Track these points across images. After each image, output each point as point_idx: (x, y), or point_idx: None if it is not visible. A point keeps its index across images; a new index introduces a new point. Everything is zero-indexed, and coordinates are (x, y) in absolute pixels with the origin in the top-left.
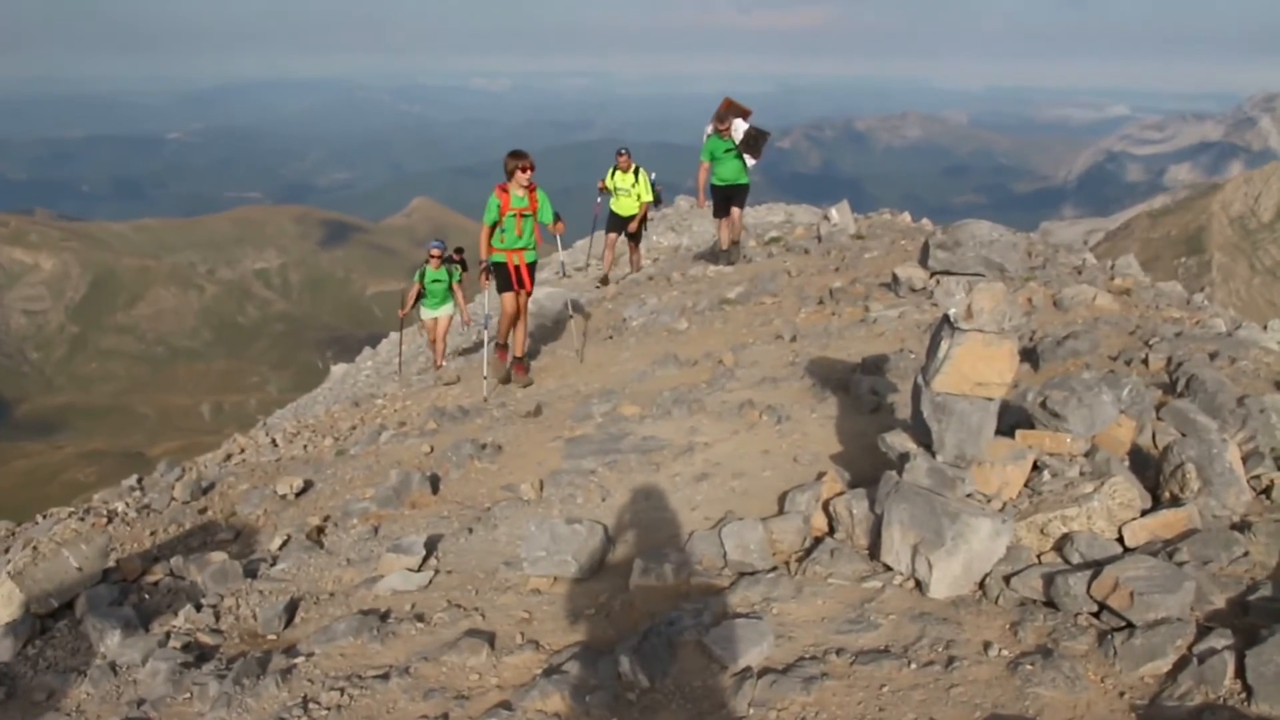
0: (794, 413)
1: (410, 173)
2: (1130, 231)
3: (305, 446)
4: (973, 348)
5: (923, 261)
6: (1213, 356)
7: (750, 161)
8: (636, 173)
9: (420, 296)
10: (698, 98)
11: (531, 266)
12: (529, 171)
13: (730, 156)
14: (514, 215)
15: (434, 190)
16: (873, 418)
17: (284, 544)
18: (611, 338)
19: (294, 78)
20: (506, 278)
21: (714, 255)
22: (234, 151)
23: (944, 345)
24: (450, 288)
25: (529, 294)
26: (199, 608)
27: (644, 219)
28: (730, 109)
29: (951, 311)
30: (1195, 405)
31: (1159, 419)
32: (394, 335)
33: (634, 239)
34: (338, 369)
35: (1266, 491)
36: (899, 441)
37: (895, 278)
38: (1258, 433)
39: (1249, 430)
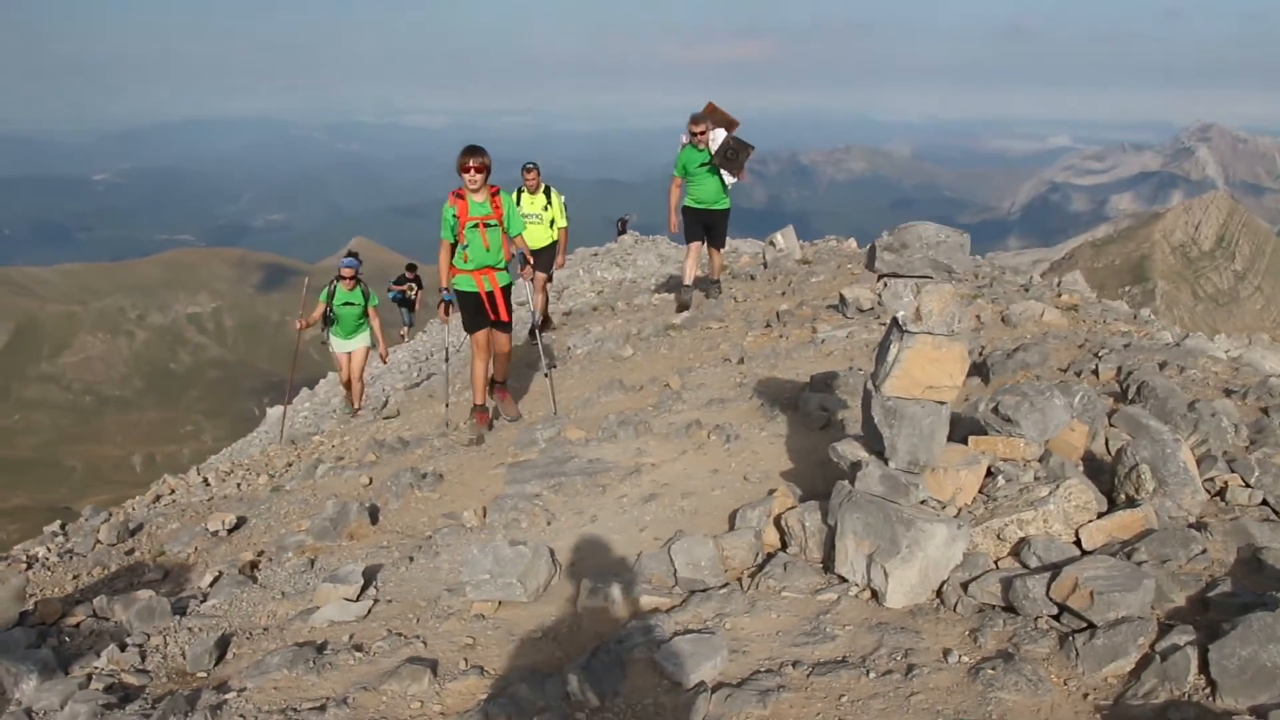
0: (743, 432)
1: (348, 213)
2: (1075, 261)
3: (239, 485)
4: (922, 350)
5: (870, 265)
6: (1162, 366)
7: (729, 179)
8: (548, 193)
9: (329, 323)
10: (639, 133)
11: (507, 290)
12: (480, 173)
13: (706, 172)
14: (476, 226)
15: (372, 230)
16: (823, 434)
17: (215, 580)
18: (555, 367)
19: (227, 116)
20: (473, 310)
21: (678, 291)
22: (164, 193)
23: (893, 349)
24: (365, 313)
25: (509, 325)
26: (123, 647)
27: (564, 247)
28: (713, 114)
29: (900, 314)
30: (1147, 410)
31: (1111, 425)
32: (332, 375)
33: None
34: (274, 411)
35: (1221, 494)
36: (850, 450)
37: (843, 299)
38: (1209, 436)
39: (1201, 434)
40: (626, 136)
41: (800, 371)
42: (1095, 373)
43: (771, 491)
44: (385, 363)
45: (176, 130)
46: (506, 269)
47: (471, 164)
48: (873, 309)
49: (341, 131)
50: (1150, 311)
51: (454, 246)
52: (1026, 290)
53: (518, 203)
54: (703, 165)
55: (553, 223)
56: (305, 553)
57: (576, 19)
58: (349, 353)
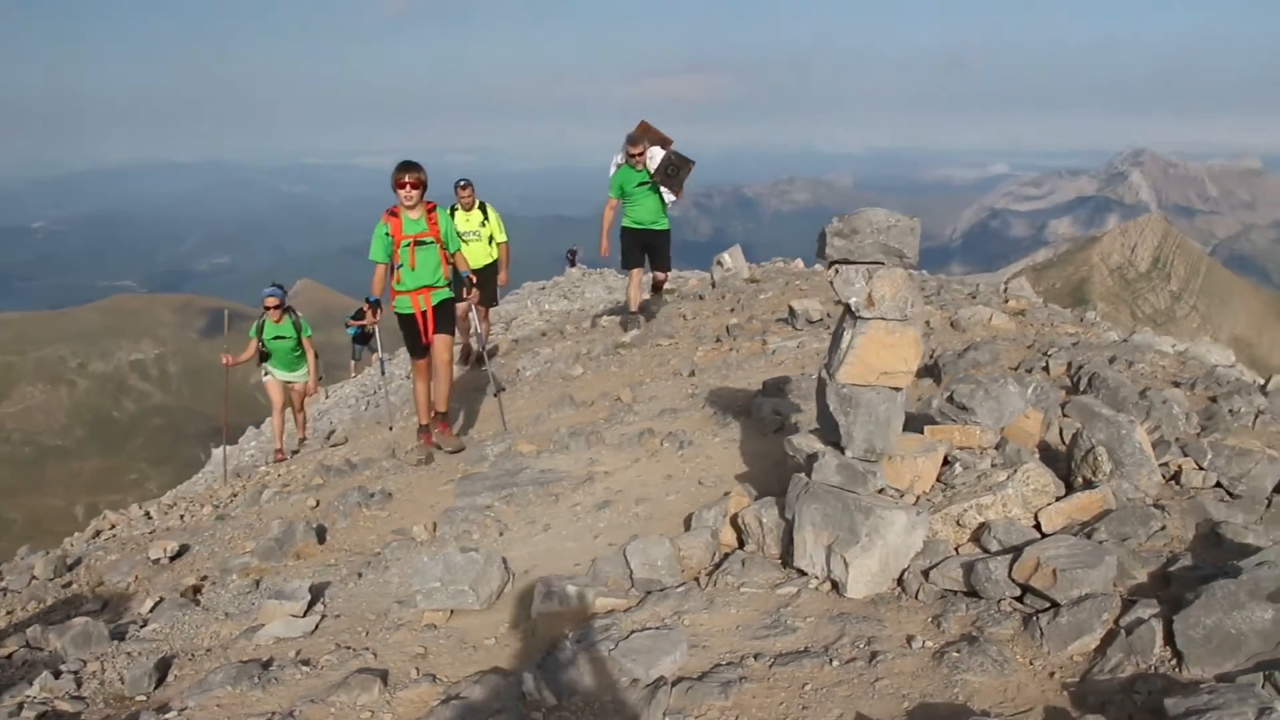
0: (696, 438)
1: (294, 255)
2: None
3: (182, 517)
4: (876, 336)
5: (820, 252)
6: (1111, 360)
7: (670, 198)
8: (484, 209)
9: (264, 358)
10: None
11: (443, 307)
12: (415, 189)
13: (645, 191)
14: (409, 245)
15: (319, 272)
16: (777, 438)
17: (155, 605)
18: (504, 389)
19: (169, 160)
20: (413, 333)
21: (625, 319)
22: (105, 239)
23: (846, 335)
24: (300, 344)
25: (450, 338)
26: (57, 675)
27: (507, 263)
28: (646, 133)
29: (852, 300)
30: (1099, 400)
31: (1065, 415)
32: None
33: (485, 298)
34: (219, 451)
35: (1175, 477)
36: (806, 443)
37: (792, 310)
38: (1162, 422)
39: (1153, 420)
40: (574, 173)
41: (752, 381)
42: (1046, 369)
43: (727, 494)
44: (314, 393)
45: (118, 175)
46: (449, 286)
47: (407, 179)
48: (822, 320)
49: (289, 174)
50: (1095, 314)
51: (392, 267)
52: (974, 297)
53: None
54: (641, 184)
55: (491, 239)
56: (250, 574)
57: (524, 59)
58: (289, 382)
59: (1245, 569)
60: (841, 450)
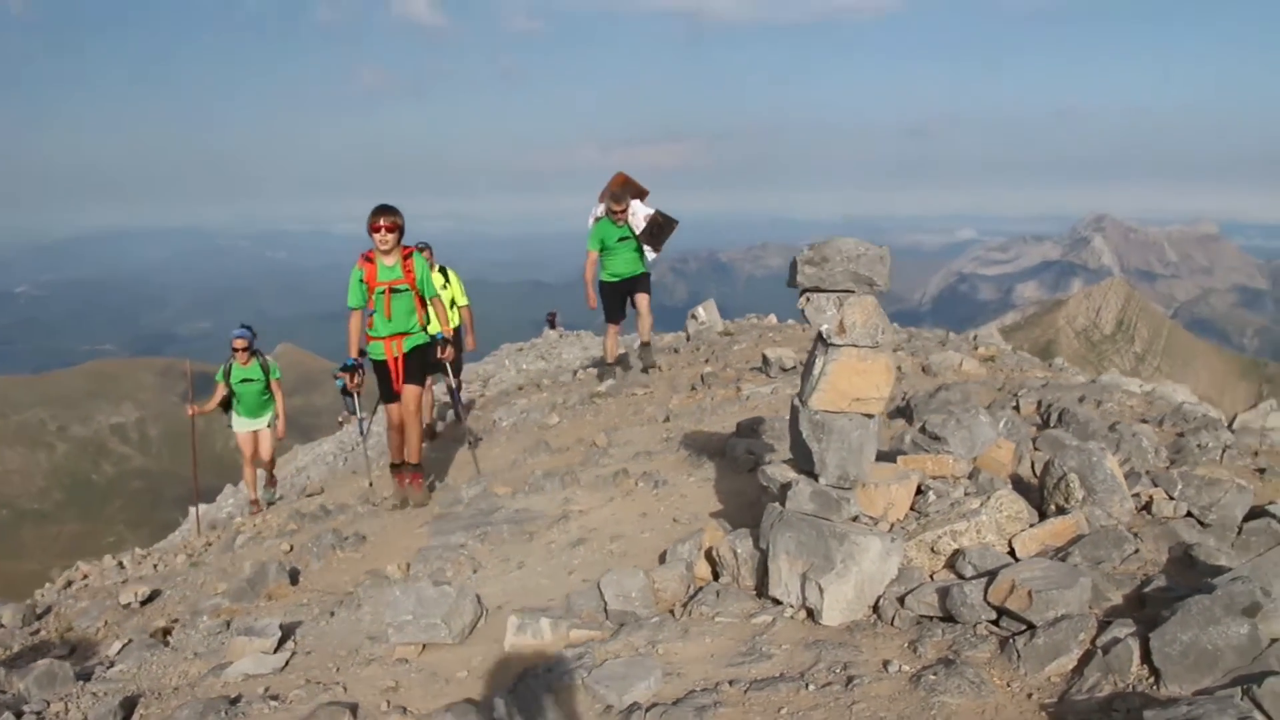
0: (671, 478)
1: (274, 319)
2: None
3: (155, 566)
4: (848, 363)
5: (791, 281)
6: (1081, 399)
7: (651, 255)
8: (445, 273)
9: (229, 405)
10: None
11: (415, 354)
12: (391, 233)
13: (625, 247)
14: (384, 291)
15: (299, 336)
16: (751, 477)
17: (124, 647)
18: (481, 439)
19: (152, 226)
20: (386, 379)
21: (602, 369)
22: (88, 303)
23: (819, 363)
24: (268, 387)
25: (419, 388)
26: (19, 715)
27: (471, 327)
28: (625, 186)
29: (824, 328)
30: (1069, 433)
31: (1036, 449)
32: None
33: (450, 367)
34: (195, 509)
35: (1147, 507)
36: (779, 473)
37: (765, 359)
38: (1131, 455)
39: (1123, 453)
40: (548, 239)
41: (726, 424)
42: (1016, 408)
43: (701, 529)
44: (281, 437)
45: (101, 241)
46: (425, 331)
47: (382, 223)
48: (795, 367)
49: (268, 240)
50: (1062, 361)
51: (367, 317)
52: (944, 345)
53: None
54: (623, 239)
55: (453, 303)
56: (222, 615)
57: (498, 128)
58: (254, 431)
59: (1220, 585)
60: (815, 478)
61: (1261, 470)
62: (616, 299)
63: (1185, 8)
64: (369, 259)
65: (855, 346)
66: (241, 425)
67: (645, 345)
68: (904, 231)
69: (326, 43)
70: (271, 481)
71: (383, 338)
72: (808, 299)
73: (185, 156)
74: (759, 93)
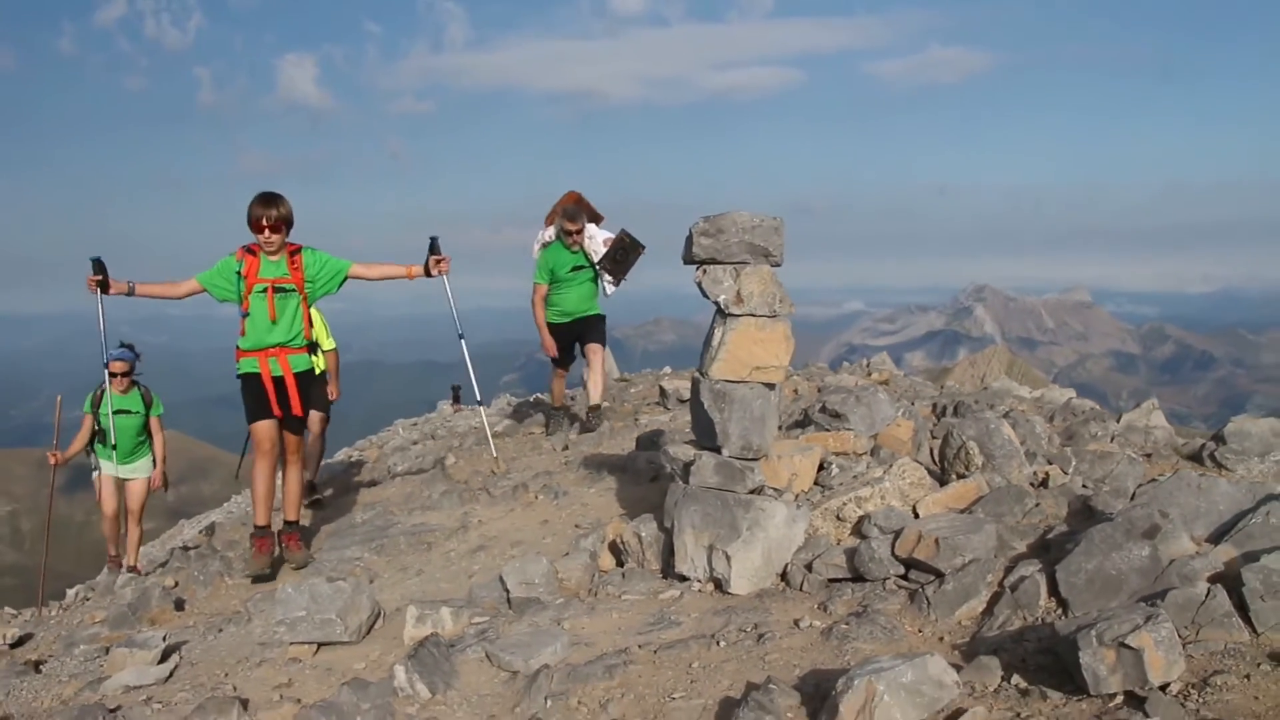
0: (572, 490)
1: None
2: None
3: (26, 621)
4: (746, 332)
5: (686, 256)
6: (975, 402)
7: (610, 288)
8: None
9: (93, 442)
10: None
11: (304, 377)
12: (278, 233)
13: (579, 279)
14: (265, 290)
15: (184, 422)
16: (654, 485)
17: None
18: (375, 483)
19: (21, 313)
20: (257, 395)
21: (549, 418)
22: None
23: (718, 333)
24: (147, 426)
25: (323, 415)
26: None
27: (336, 373)
28: (580, 204)
29: (721, 299)
30: (966, 421)
31: (934, 437)
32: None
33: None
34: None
35: (1044, 483)
36: (682, 451)
37: (663, 390)
38: (1027, 438)
39: (1020, 436)
40: (439, 318)
41: (626, 447)
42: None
43: (604, 524)
44: (157, 488)
45: None
46: (310, 348)
47: (265, 221)
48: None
49: (150, 325)
50: (954, 385)
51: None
52: (836, 372)
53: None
54: (577, 269)
55: (317, 347)
56: (99, 642)
57: (385, 209)
58: (125, 481)
59: (1119, 513)
60: (719, 452)
61: (1149, 455)
62: (566, 342)
63: (1054, 92)
64: (251, 251)
65: (754, 316)
66: (111, 470)
67: (595, 409)
68: (794, 304)
69: (209, 126)
70: (133, 556)
71: (258, 350)
72: (704, 271)
73: (60, 242)
74: (648, 172)
